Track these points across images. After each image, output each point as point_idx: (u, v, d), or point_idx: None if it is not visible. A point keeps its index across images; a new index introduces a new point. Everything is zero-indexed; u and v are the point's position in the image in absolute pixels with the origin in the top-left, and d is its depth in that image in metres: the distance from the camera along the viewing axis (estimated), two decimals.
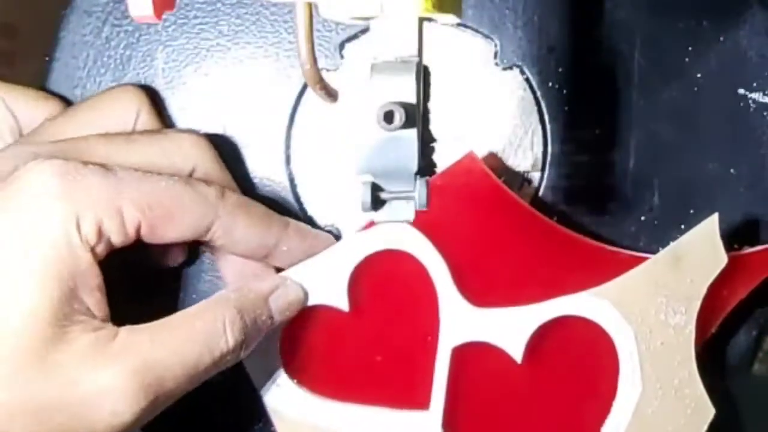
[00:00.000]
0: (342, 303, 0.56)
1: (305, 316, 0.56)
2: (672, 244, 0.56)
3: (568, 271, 0.56)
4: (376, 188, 0.45)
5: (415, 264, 0.56)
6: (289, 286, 0.54)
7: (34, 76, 0.61)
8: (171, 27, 0.60)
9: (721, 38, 0.59)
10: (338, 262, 0.56)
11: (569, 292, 0.56)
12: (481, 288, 0.56)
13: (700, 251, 0.55)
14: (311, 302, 0.56)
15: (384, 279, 0.57)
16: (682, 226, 0.58)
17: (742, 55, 0.59)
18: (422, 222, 0.53)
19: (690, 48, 0.59)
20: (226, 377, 0.52)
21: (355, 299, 0.56)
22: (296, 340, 0.57)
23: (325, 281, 0.56)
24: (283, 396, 0.57)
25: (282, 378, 0.57)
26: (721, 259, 0.55)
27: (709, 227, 0.55)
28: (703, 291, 0.55)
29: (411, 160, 0.44)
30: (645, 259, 0.56)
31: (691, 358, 0.55)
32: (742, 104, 0.59)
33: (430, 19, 0.45)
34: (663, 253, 0.56)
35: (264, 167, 0.60)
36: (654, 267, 0.56)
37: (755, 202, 0.59)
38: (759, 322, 0.59)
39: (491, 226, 0.57)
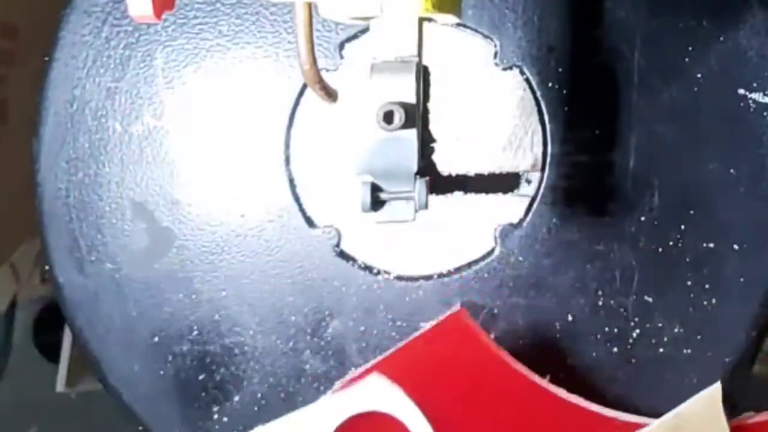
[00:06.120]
0: None
1: None
2: (672, 411, 0.54)
3: None
4: (376, 188, 0.45)
5: (399, 427, 0.53)
6: None
7: (34, 76, 0.61)
8: (171, 27, 0.60)
9: (721, 38, 0.59)
10: (318, 423, 0.53)
11: None
12: None
13: (700, 421, 0.53)
14: None
15: None
16: (682, 226, 0.58)
17: (742, 55, 0.59)
18: (408, 381, 0.52)
19: (690, 48, 0.59)
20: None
21: None
22: None
23: None
24: None
25: None
26: (723, 429, 0.53)
27: (712, 396, 0.53)
28: None
29: (411, 160, 0.44)
30: (639, 425, 0.54)
31: None
32: (742, 104, 0.59)
33: (430, 19, 0.45)
34: (661, 421, 0.53)
35: (264, 167, 0.59)
36: None
37: (755, 202, 0.59)
38: (759, 322, 0.59)
39: (479, 387, 0.54)
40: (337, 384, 0.54)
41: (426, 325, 0.55)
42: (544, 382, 0.55)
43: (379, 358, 0.54)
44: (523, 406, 0.54)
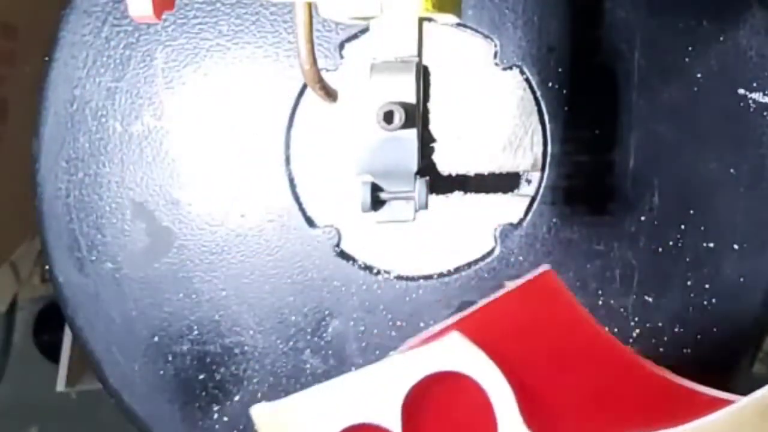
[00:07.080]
0: (395, 425, 0.50)
1: None
2: (761, 390, 0.50)
3: (641, 407, 0.51)
4: (376, 188, 0.45)
5: (477, 389, 0.50)
6: None
7: (34, 76, 0.61)
8: (171, 27, 0.60)
9: (721, 38, 0.59)
10: (394, 380, 0.50)
11: (641, 429, 0.50)
12: (548, 417, 0.50)
13: None
14: (362, 420, 0.50)
15: (441, 403, 0.51)
16: (682, 226, 0.58)
17: (742, 55, 0.59)
18: (489, 341, 0.49)
19: (690, 48, 0.59)
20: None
21: (409, 422, 0.50)
22: None
23: (378, 399, 0.50)
24: None
25: None
26: None
27: None
28: None
29: (411, 160, 0.44)
30: (726, 402, 0.50)
31: None
32: (742, 104, 0.59)
33: (430, 19, 0.45)
34: (750, 399, 0.49)
35: (264, 167, 0.59)
36: (740, 414, 0.49)
37: (755, 202, 0.59)
38: (759, 322, 0.59)
39: (565, 352, 0.51)
40: (412, 340, 0.51)
41: (510, 284, 0.51)
42: (630, 351, 0.53)
43: (459, 315, 0.51)
44: (609, 374, 0.52)
